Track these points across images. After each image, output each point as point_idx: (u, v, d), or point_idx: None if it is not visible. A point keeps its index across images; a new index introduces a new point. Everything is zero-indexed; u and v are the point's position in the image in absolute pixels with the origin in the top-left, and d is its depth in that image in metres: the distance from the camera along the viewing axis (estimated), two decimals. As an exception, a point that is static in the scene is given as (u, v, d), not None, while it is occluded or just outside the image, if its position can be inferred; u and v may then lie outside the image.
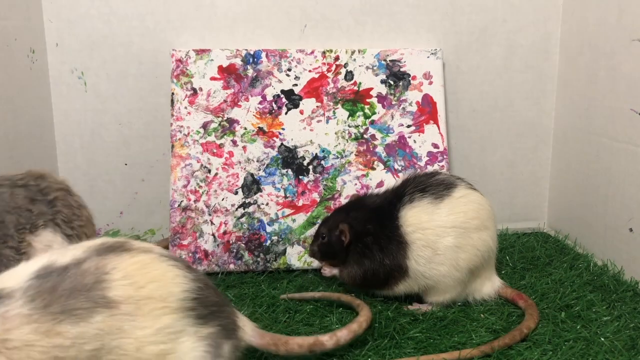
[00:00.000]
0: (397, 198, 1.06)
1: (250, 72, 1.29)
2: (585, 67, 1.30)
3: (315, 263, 1.21)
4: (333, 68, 1.31)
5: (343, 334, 0.86)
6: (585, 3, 1.29)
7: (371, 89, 1.31)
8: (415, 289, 1.05)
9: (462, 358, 0.87)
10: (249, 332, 0.81)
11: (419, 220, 1.03)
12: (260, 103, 1.29)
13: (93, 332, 0.67)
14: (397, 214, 1.04)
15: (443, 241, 1.02)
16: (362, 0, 1.35)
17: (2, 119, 1.19)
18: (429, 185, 1.05)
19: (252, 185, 1.26)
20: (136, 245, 0.75)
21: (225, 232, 1.24)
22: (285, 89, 1.30)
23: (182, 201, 1.24)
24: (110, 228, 1.39)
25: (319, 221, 1.24)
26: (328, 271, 1.12)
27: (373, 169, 1.29)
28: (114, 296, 0.68)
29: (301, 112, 1.30)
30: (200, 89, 1.28)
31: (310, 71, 1.31)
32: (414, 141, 1.31)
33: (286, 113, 1.29)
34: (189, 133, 1.27)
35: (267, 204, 1.25)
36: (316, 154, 1.28)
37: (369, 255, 1.05)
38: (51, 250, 0.84)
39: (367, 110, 1.31)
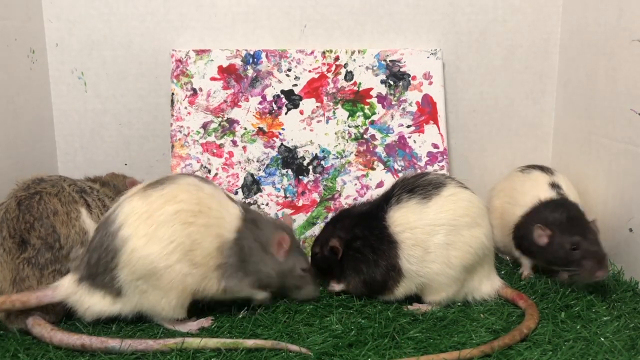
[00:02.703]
0: (385, 201, 1.07)
1: (250, 72, 1.30)
2: (585, 67, 1.30)
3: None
4: (333, 68, 1.31)
5: None
6: (585, 3, 1.29)
7: (371, 89, 1.31)
8: (413, 289, 1.05)
9: (462, 358, 0.87)
10: None
11: (407, 220, 1.03)
12: (260, 103, 1.29)
13: None
14: (385, 216, 1.05)
15: (433, 239, 1.02)
16: (362, 0, 1.35)
17: (2, 119, 1.19)
18: (417, 186, 1.06)
19: (252, 186, 1.26)
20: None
21: (225, 232, 1.24)
22: (285, 89, 1.30)
23: (182, 201, 1.24)
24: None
25: (319, 222, 1.24)
26: (337, 287, 1.11)
27: (373, 169, 1.29)
28: None
29: (301, 112, 1.30)
30: (200, 89, 1.28)
31: (310, 71, 1.31)
32: (414, 141, 1.31)
33: (286, 113, 1.29)
34: (189, 133, 1.27)
35: (267, 204, 1.26)
36: (316, 154, 1.28)
37: (363, 260, 1.06)
38: None
39: (367, 111, 1.31)
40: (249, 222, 1.01)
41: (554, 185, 1.21)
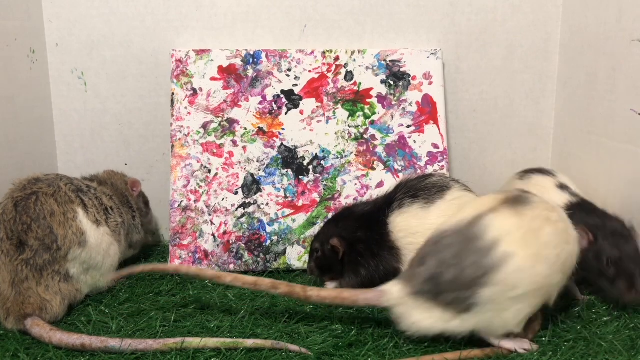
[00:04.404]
0: (387, 204, 1.06)
1: (250, 72, 1.30)
2: (585, 67, 1.30)
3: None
4: (333, 68, 1.31)
5: None
6: (585, 3, 1.29)
7: (371, 89, 1.31)
8: None
9: (462, 358, 0.87)
10: None
11: (409, 225, 1.02)
12: (260, 103, 1.29)
13: None
14: (387, 220, 1.04)
15: None
16: (362, 0, 1.35)
17: (2, 119, 1.19)
18: (421, 189, 1.05)
19: (252, 185, 1.26)
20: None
21: (225, 232, 1.24)
22: (285, 89, 1.30)
23: (182, 201, 1.24)
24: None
25: (319, 221, 1.24)
26: (332, 286, 1.11)
27: (373, 169, 1.29)
28: None
29: (301, 112, 1.30)
30: (200, 89, 1.28)
31: (310, 71, 1.31)
32: (414, 141, 1.31)
33: (286, 113, 1.29)
34: (189, 133, 1.27)
35: (267, 204, 1.26)
36: (316, 154, 1.28)
37: (364, 264, 1.05)
38: None
39: (367, 111, 1.31)
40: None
41: (563, 187, 1.16)
